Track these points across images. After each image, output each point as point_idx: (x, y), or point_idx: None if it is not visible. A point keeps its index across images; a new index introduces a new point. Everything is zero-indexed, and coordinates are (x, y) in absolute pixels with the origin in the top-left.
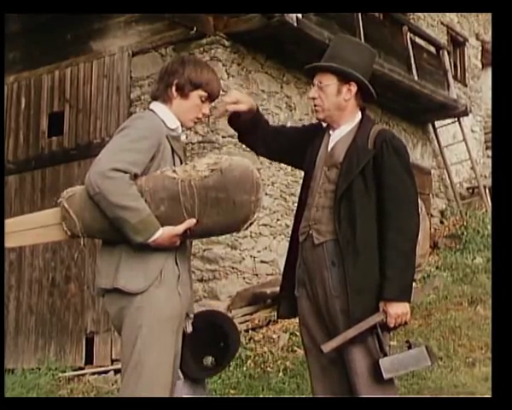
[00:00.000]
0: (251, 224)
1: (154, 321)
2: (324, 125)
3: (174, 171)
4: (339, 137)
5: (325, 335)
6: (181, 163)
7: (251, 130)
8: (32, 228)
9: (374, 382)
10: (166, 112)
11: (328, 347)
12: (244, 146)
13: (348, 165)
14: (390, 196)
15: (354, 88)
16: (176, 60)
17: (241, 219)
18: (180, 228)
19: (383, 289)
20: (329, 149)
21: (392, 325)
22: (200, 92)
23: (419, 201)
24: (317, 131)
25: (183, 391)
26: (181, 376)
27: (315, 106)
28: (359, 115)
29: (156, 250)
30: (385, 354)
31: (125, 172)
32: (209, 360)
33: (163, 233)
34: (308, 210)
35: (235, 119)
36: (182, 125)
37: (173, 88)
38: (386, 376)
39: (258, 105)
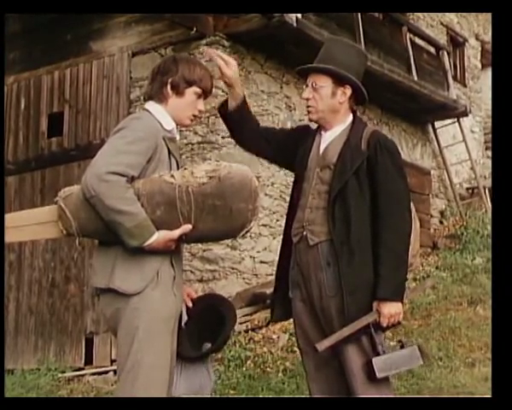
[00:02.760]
0: (247, 231)
1: (150, 322)
2: (314, 127)
3: (172, 176)
4: (331, 138)
5: (320, 335)
6: (177, 165)
7: (238, 123)
8: (29, 224)
9: (369, 381)
10: (162, 112)
11: (322, 345)
12: None
13: (342, 166)
14: (384, 196)
15: (349, 91)
16: (167, 59)
17: (237, 226)
18: (175, 233)
19: (377, 288)
20: (322, 150)
21: (384, 325)
22: (195, 89)
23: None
24: (307, 133)
25: (185, 374)
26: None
27: (308, 106)
28: (351, 117)
29: (152, 252)
30: (378, 354)
31: (122, 176)
32: (207, 346)
33: (158, 237)
34: (301, 211)
35: (223, 111)
36: (178, 124)
37: (168, 87)
38: (379, 375)
39: (245, 98)
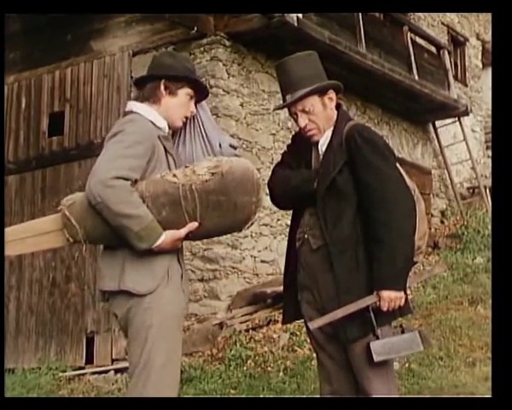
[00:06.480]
0: (252, 224)
1: (163, 321)
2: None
3: (174, 175)
4: (323, 140)
5: (328, 338)
6: (174, 162)
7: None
8: (32, 235)
9: (377, 377)
10: (153, 112)
11: (315, 324)
12: (245, 146)
13: (326, 168)
14: (367, 190)
15: (333, 94)
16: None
17: (242, 220)
18: (182, 232)
19: (373, 279)
20: (319, 152)
21: (385, 309)
22: (188, 90)
23: (409, 184)
24: (305, 140)
25: None
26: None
27: (309, 131)
28: (336, 113)
29: (161, 252)
30: (377, 338)
31: (126, 179)
32: None
33: (166, 238)
34: (302, 216)
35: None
36: (170, 127)
37: (162, 87)
38: (376, 359)
39: None
